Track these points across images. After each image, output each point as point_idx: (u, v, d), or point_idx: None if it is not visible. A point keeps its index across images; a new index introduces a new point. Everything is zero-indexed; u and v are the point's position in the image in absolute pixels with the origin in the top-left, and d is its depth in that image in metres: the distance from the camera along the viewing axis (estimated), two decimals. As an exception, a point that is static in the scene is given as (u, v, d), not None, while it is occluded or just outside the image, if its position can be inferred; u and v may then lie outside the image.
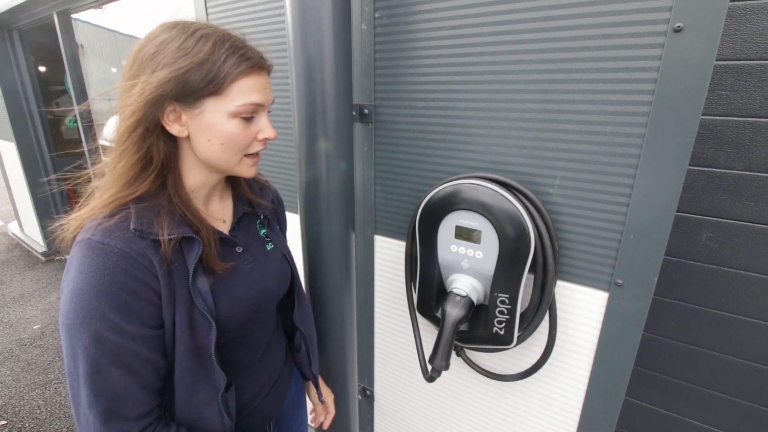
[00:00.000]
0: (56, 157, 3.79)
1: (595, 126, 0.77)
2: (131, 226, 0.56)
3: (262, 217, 0.80)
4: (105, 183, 0.61)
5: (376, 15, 0.97)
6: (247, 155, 0.65)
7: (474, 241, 0.87)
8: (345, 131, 0.96)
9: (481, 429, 1.16)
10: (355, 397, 1.33)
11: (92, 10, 2.71)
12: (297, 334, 0.91)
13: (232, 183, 0.78)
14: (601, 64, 0.74)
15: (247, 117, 0.61)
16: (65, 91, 3.81)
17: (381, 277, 1.22)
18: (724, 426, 1.17)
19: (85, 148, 3.03)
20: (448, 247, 0.91)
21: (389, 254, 1.16)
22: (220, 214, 0.73)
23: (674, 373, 1.19)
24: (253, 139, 0.64)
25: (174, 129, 0.60)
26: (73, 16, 2.77)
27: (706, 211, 1.04)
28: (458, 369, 1.13)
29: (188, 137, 0.61)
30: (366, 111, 1.04)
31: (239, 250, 0.72)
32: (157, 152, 0.59)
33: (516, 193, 0.85)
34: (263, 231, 0.80)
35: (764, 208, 0.98)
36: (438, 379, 1.18)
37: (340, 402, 1.20)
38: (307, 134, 0.94)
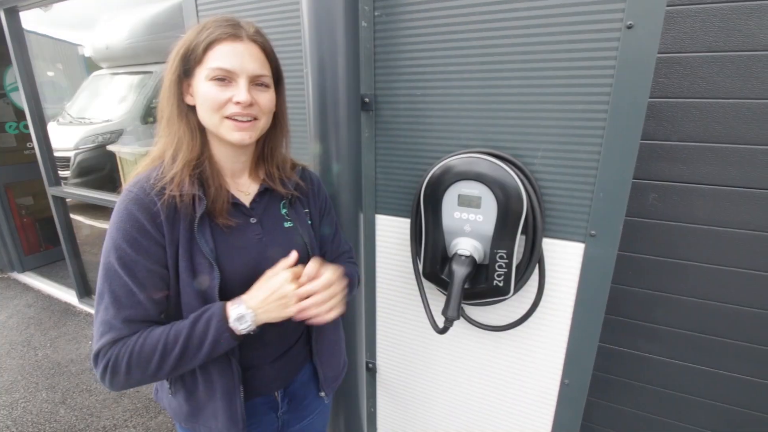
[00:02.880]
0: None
1: (569, 105, 0.94)
2: (151, 180, 0.71)
3: (290, 197, 0.86)
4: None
5: (376, 13, 1.08)
6: (228, 118, 0.72)
7: (475, 207, 1.01)
8: (354, 119, 1.07)
9: (476, 388, 1.29)
10: (363, 370, 1.42)
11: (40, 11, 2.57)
12: None
13: (266, 169, 0.85)
14: (572, 54, 0.91)
15: (221, 79, 0.70)
16: (4, 95, 3.52)
17: (382, 255, 1.32)
18: (677, 356, 1.41)
19: (40, 159, 2.84)
20: (452, 214, 1.04)
21: (390, 232, 1.27)
22: (246, 188, 0.83)
23: (631, 314, 1.42)
24: (228, 101, 0.70)
25: (188, 99, 0.74)
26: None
27: (651, 176, 1.27)
28: (453, 339, 1.26)
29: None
30: (367, 99, 1.15)
31: (253, 221, 0.80)
32: (186, 121, 0.74)
33: (508, 163, 1.00)
34: (284, 210, 0.86)
35: (694, 171, 1.24)
36: (435, 350, 1.30)
37: (350, 375, 1.29)
38: (320, 123, 1.04)
